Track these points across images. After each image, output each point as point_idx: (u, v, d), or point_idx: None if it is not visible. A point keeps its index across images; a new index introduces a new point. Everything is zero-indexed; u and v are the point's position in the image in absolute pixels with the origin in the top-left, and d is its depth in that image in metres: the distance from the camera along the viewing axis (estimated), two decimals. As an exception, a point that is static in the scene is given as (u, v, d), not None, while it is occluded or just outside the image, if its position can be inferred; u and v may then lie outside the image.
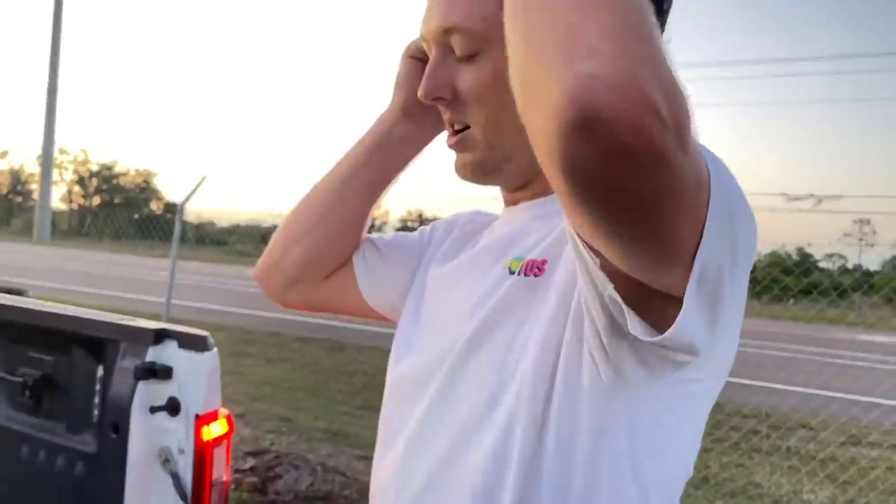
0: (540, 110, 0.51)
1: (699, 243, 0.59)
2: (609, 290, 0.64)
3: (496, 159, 0.87)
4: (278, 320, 10.66)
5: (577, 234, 0.63)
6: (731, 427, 5.50)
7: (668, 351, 0.67)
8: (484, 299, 0.85)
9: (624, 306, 0.64)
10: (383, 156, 1.03)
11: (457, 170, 0.90)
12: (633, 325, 0.64)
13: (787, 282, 6.81)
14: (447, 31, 0.82)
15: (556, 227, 0.83)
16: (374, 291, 1.06)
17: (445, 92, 0.84)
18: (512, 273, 0.84)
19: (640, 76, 0.48)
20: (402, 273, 1.04)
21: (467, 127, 0.86)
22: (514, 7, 0.57)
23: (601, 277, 0.64)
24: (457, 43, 0.82)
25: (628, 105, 0.47)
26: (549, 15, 0.53)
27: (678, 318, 0.62)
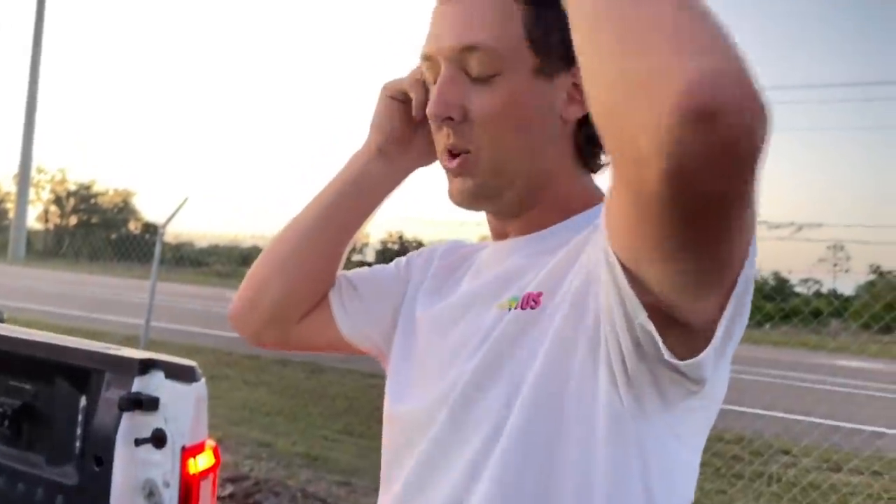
0: (650, 104, 0.51)
1: (741, 268, 0.62)
2: (642, 318, 0.65)
3: (497, 185, 0.85)
4: (257, 343, 10.53)
5: (617, 258, 0.65)
6: (712, 453, 5.50)
7: (685, 380, 0.69)
8: (482, 340, 0.83)
9: (656, 333, 0.65)
10: (357, 194, 1.02)
11: (453, 195, 0.87)
12: (665, 350, 0.66)
13: (769, 308, 6.87)
14: (467, 49, 0.81)
15: (549, 261, 0.83)
16: (353, 329, 1.04)
17: (456, 112, 0.82)
18: (510, 311, 0.83)
19: (752, 76, 0.50)
20: (382, 309, 1.03)
21: (467, 151, 0.84)
22: (601, 3, 0.57)
23: (635, 304, 0.65)
24: (476, 62, 0.81)
25: (748, 102, 0.49)
26: (650, 11, 0.54)
27: (713, 342, 0.65)
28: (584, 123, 0.87)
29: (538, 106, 0.84)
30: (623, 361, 0.70)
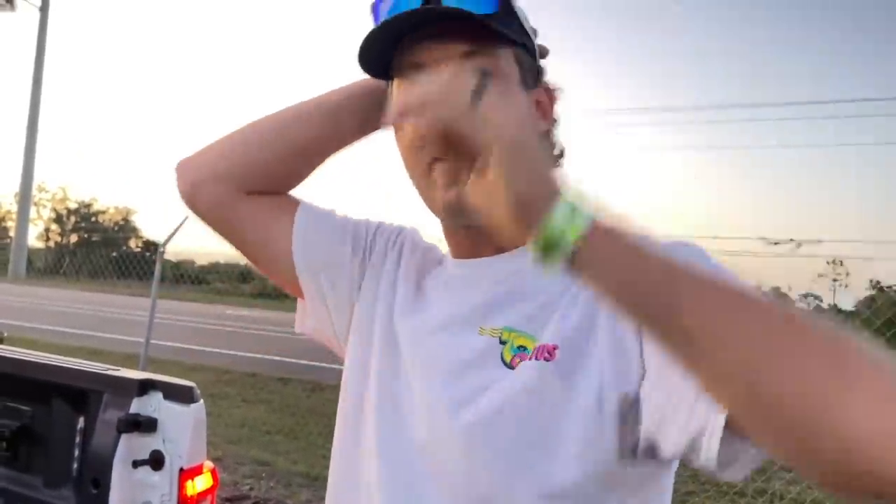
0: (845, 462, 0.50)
1: None
2: (713, 455, 0.66)
3: None
4: (256, 360, 10.53)
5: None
6: (715, 471, 5.46)
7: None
8: (467, 370, 0.83)
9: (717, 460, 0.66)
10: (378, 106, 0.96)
11: (449, 205, 0.82)
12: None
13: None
14: (469, 55, 0.80)
15: (541, 299, 0.83)
16: (305, 250, 1.00)
17: None
18: (503, 342, 0.82)
19: None
20: (338, 253, 1.00)
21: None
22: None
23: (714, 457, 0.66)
24: (479, 65, 0.78)
25: None
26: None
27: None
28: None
29: (525, 113, 0.86)
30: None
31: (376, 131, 1.01)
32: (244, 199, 1.01)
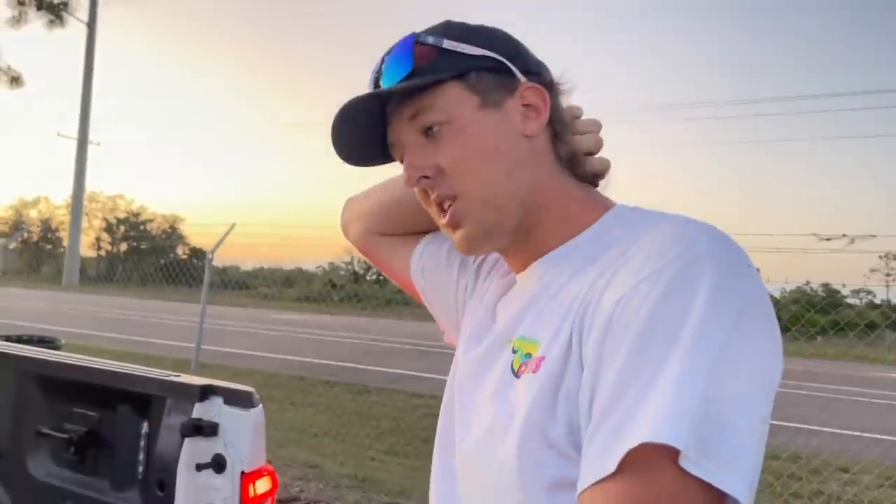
0: None
1: None
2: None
3: (494, 219, 0.87)
4: (303, 364, 10.66)
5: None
6: (769, 472, 5.36)
7: None
8: (495, 395, 0.85)
9: None
10: None
11: (461, 246, 0.91)
12: None
13: (823, 322, 6.68)
14: (414, 116, 0.87)
15: (559, 299, 0.82)
16: (418, 274, 1.15)
17: (429, 170, 0.88)
18: (515, 351, 0.85)
19: None
20: (445, 276, 1.12)
21: (454, 197, 0.88)
22: None
23: None
24: (425, 122, 0.87)
25: None
26: None
27: None
28: (558, 140, 0.91)
29: (496, 134, 0.88)
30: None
31: None
32: (382, 237, 1.20)
